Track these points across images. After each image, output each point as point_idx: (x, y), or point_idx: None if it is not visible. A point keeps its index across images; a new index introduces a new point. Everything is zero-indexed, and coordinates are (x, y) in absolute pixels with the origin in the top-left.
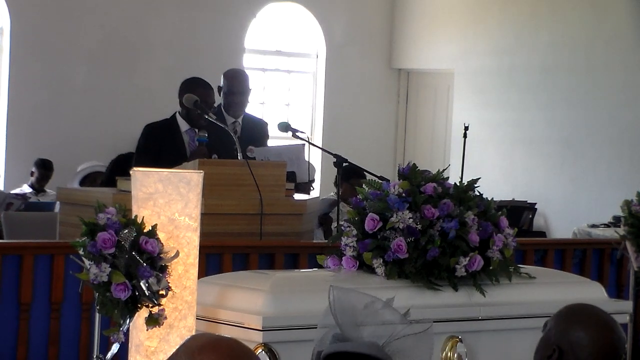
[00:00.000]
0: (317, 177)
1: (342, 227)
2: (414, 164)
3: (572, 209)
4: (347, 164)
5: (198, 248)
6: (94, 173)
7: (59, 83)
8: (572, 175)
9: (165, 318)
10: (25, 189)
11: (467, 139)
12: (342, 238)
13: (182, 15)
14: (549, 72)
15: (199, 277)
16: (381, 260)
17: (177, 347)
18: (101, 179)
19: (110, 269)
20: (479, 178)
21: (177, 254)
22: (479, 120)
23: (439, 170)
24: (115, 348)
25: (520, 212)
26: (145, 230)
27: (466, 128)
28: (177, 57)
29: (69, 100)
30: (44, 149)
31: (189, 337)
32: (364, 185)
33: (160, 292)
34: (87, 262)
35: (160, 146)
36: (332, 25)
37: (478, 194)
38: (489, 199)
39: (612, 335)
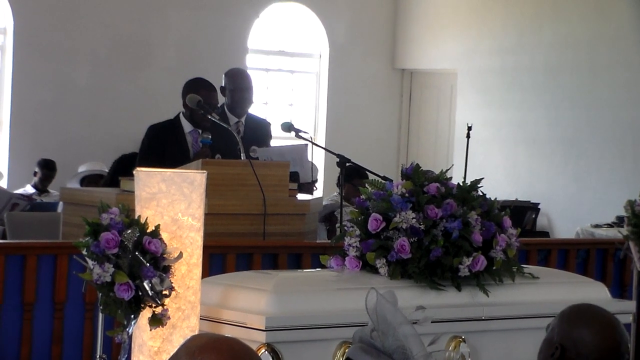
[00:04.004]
0: (320, 177)
1: (345, 227)
2: (417, 164)
3: (575, 209)
4: (349, 164)
5: (201, 248)
6: (93, 175)
7: (63, 83)
8: (576, 175)
9: (169, 318)
10: (29, 189)
11: (470, 139)
12: (345, 238)
13: (185, 16)
14: (552, 72)
15: (202, 277)
16: (384, 261)
17: (178, 347)
18: (103, 181)
19: (113, 269)
20: (482, 178)
21: (180, 255)
22: (482, 120)
23: (442, 170)
24: (125, 350)
25: (523, 212)
26: (148, 231)
27: (469, 128)
28: (180, 57)
29: (72, 101)
30: (47, 149)
31: (189, 336)
32: (367, 185)
33: (164, 292)
34: (90, 262)
35: (164, 147)
36: (335, 25)
37: (481, 194)
38: (492, 198)
39: (615, 333)
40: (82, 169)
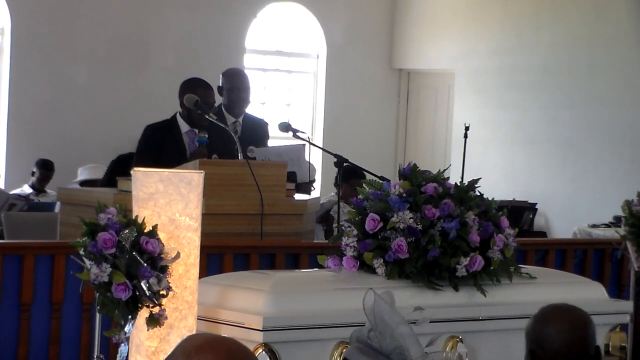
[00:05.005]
0: (318, 177)
1: (343, 227)
2: (414, 164)
3: (572, 209)
4: (347, 164)
5: (199, 248)
6: (91, 180)
7: (60, 83)
8: (573, 175)
9: (166, 318)
10: (26, 189)
11: (467, 139)
12: (343, 238)
13: (183, 16)
14: (550, 72)
15: (199, 277)
16: (382, 261)
17: (175, 347)
18: (100, 181)
19: (110, 269)
20: (480, 178)
21: (177, 256)
22: (479, 121)
23: (439, 170)
24: (123, 351)
25: (521, 212)
26: (145, 231)
27: (467, 128)
28: (177, 57)
29: (70, 101)
30: (45, 149)
31: (186, 337)
32: (364, 185)
33: (161, 292)
34: (87, 262)
35: (160, 147)
36: (332, 25)
37: (479, 194)
38: (490, 199)
39: (578, 326)
40: (82, 174)
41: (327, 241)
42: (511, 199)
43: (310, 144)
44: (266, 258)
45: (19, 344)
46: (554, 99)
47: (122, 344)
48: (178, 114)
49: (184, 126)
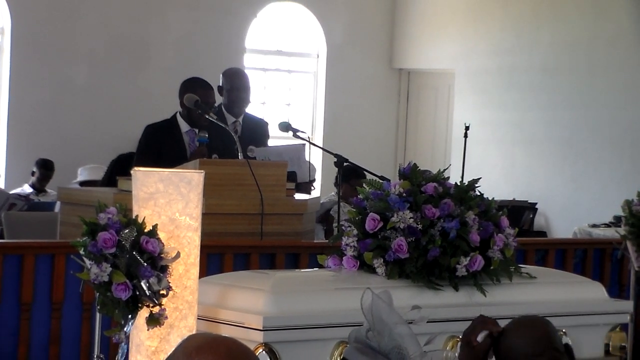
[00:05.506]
0: (318, 177)
1: (343, 227)
2: (414, 163)
3: (573, 209)
4: (347, 164)
5: (199, 248)
6: (91, 181)
7: (60, 83)
8: (573, 175)
9: (166, 318)
10: (26, 188)
11: (467, 138)
12: (343, 238)
13: (183, 16)
14: (550, 72)
15: (199, 277)
16: (382, 260)
17: (175, 347)
18: (100, 181)
19: (111, 268)
20: (480, 178)
21: (177, 255)
22: (479, 120)
23: (439, 170)
24: (123, 351)
25: (521, 212)
26: (146, 230)
27: (467, 128)
28: (178, 57)
29: (70, 100)
30: (45, 148)
31: (186, 336)
32: (364, 185)
33: (161, 292)
34: (87, 262)
35: (160, 147)
36: (332, 25)
37: (479, 193)
38: (490, 198)
39: (535, 325)
40: (82, 175)
41: (327, 241)
42: (511, 199)
43: (311, 143)
44: (266, 258)
45: (19, 344)
46: (554, 99)
47: (122, 344)
48: (178, 113)
49: (184, 126)
